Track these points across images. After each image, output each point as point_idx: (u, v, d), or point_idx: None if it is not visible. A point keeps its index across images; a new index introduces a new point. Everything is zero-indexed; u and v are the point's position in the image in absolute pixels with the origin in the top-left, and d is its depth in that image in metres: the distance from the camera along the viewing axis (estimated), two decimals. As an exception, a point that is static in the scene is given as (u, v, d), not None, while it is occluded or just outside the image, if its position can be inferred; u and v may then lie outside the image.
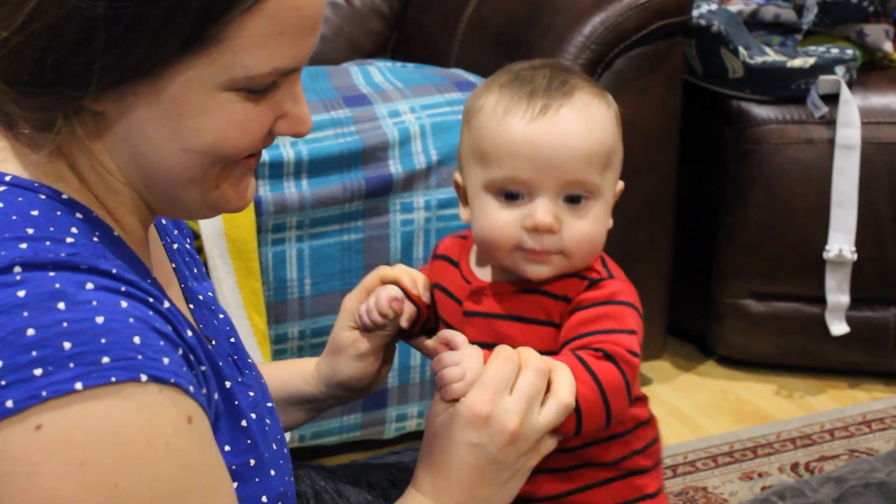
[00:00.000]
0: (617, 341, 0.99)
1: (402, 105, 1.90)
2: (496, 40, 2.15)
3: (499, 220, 1.02)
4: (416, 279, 1.12)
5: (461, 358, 0.96)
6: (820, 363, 2.36)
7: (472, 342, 1.00)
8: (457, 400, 0.96)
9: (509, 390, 0.95)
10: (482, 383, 0.95)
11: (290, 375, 1.18)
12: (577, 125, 1.01)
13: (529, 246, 1.01)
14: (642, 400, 1.09)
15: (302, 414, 1.18)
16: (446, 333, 0.99)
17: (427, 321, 1.13)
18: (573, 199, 1.02)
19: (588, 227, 1.02)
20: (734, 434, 2.15)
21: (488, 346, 1.00)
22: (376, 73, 2.02)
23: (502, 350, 0.97)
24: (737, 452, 2.09)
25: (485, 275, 1.08)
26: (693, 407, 2.25)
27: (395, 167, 1.84)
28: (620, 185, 1.08)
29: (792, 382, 2.36)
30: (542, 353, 0.99)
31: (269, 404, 0.99)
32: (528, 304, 1.04)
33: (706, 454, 2.09)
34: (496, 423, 0.94)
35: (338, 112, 1.85)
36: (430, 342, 0.99)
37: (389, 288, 1.10)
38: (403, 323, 1.09)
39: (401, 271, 1.12)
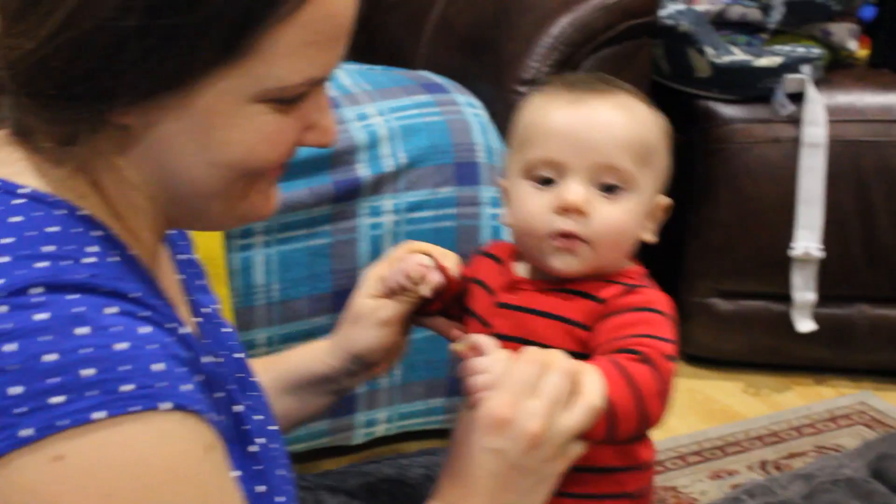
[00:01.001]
0: (653, 346, 0.97)
1: (370, 108, 1.88)
2: (463, 42, 2.13)
3: (532, 204, 1.02)
4: (446, 254, 1.11)
5: (491, 364, 0.93)
6: (786, 360, 2.38)
7: (498, 335, 0.99)
8: None
9: (532, 393, 0.91)
10: (503, 386, 0.91)
11: (298, 358, 1.14)
12: (615, 112, 1.02)
13: (559, 226, 1.01)
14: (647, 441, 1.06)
15: (318, 398, 1.14)
16: (475, 338, 0.96)
17: (449, 301, 1.10)
18: (608, 189, 1.02)
19: (618, 215, 1.01)
20: (703, 433, 2.15)
21: (514, 341, 0.99)
22: (343, 76, 1.99)
23: (526, 352, 0.94)
24: (706, 451, 2.10)
25: (525, 273, 1.07)
26: (661, 406, 2.25)
27: (363, 170, 1.82)
28: (665, 200, 1.07)
29: (759, 380, 2.37)
30: (573, 355, 0.95)
31: (273, 427, 0.96)
32: (561, 302, 1.02)
33: (675, 454, 2.09)
34: (517, 427, 0.90)
35: (304, 115, 1.83)
36: (457, 346, 0.96)
37: (419, 256, 1.09)
38: (426, 291, 1.07)
39: (432, 245, 1.11)
